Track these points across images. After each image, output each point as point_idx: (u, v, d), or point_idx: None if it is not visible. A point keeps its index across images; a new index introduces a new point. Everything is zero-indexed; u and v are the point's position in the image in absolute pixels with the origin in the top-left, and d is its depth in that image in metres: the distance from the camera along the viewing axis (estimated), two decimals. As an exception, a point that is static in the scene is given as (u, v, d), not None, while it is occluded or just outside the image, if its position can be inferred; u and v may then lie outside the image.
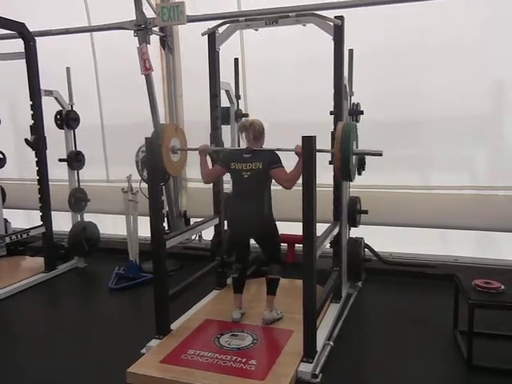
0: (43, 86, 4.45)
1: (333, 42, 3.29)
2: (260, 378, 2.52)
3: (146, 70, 4.47)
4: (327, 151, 2.90)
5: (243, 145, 3.29)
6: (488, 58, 3.99)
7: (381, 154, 2.79)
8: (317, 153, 2.61)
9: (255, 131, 3.04)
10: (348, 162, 2.75)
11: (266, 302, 3.22)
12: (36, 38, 4.37)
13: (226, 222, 3.88)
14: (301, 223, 2.62)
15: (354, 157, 2.91)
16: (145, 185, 3.94)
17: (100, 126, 5.67)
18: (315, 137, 2.60)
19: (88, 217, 5.10)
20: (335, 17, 3.27)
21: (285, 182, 2.96)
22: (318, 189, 2.63)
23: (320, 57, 3.66)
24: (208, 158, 3.35)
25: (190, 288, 3.40)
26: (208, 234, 4.58)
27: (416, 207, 4.44)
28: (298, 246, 4.21)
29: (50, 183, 4.56)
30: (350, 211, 3.84)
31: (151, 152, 2.97)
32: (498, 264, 4.17)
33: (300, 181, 2.64)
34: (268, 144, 3.14)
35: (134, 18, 4.47)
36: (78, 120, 4.89)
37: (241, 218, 3.12)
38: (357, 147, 2.91)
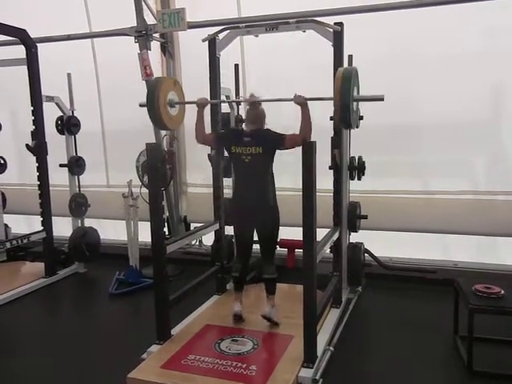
0: (44, 92, 4.47)
1: (332, 48, 3.31)
2: (260, 383, 2.52)
3: (147, 75, 4.49)
4: (327, 99, 2.79)
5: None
6: (487, 65, 4.01)
7: (382, 99, 2.71)
8: (317, 155, 2.61)
9: (258, 111, 3.07)
10: (348, 108, 2.65)
11: (267, 301, 3.22)
12: (38, 44, 4.39)
13: (227, 226, 3.90)
14: (301, 228, 2.63)
15: (355, 103, 2.82)
16: (145, 190, 3.97)
17: (101, 131, 5.69)
18: (315, 142, 2.61)
19: (88, 222, 5.10)
20: (335, 23, 3.29)
21: (301, 140, 2.76)
22: (317, 194, 2.64)
23: (319, 63, 3.68)
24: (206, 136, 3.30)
25: (191, 293, 3.40)
26: (208, 239, 4.59)
27: (416, 212, 4.45)
28: (298, 251, 4.22)
29: (50, 188, 4.58)
30: (349, 216, 3.84)
31: (152, 157, 2.98)
32: (497, 269, 4.16)
33: (300, 186, 2.64)
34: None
35: (134, 24, 4.51)
36: (78, 125, 4.91)
37: (244, 203, 3.11)
38: (358, 93, 2.84)
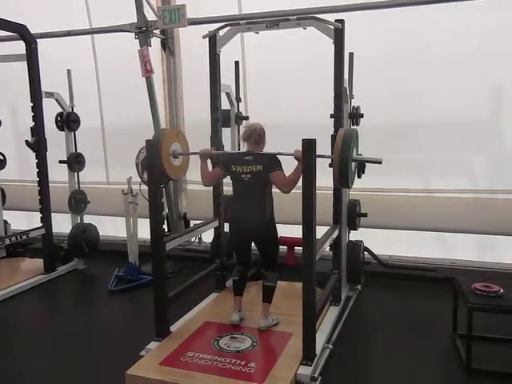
0: (44, 88, 4.46)
1: (333, 46, 3.30)
2: (259, 380, 2.52)
3: (147, 72, 4.48)
4: (327, 157, 2.89)
5: (244, 149, 3.29)
6: (487, 64, 4.01)
7: (380, 162, 2.79)
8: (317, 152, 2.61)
9: (256, 135, 3.07)
10: (346, 170, 2.72)
11: (261, 309, 3.21)
12: (37, 40, 4.38)
13: (227, 224, 3.90)
14: (300, 226, 2.63)
15: (354, 163, 2.89)
16: (145, 187, 3.96)
17: (100, 128, 5.68)
18: (315, 140, 2.61)
19: (88, 218, 5.10)
20: (336, 20, 3.28)
21: (283, 187, 2.97)
22: (317, 192, 2.63)
23: (320, 60, 3.67)
24: (208, 161, 3.35)
25: (190, 290, 3.40)
26: (208, 236, 4.58)
27: (415, 210, 4.45)
28: (298, 249, 4.21)
29: (50, 185, 4.57)
30: (349, 214, 3.84)
31: (151, 154, 2.98)
32: (497, 267, 4.17)
33: (300, 184, 2.64)
34: (268, 147, 3.15)
35: (135, 20, 4.50)
36: (78, 122, 4.90)
37: (241, 221, 3.13)
38: (357, 153, 2.90)
